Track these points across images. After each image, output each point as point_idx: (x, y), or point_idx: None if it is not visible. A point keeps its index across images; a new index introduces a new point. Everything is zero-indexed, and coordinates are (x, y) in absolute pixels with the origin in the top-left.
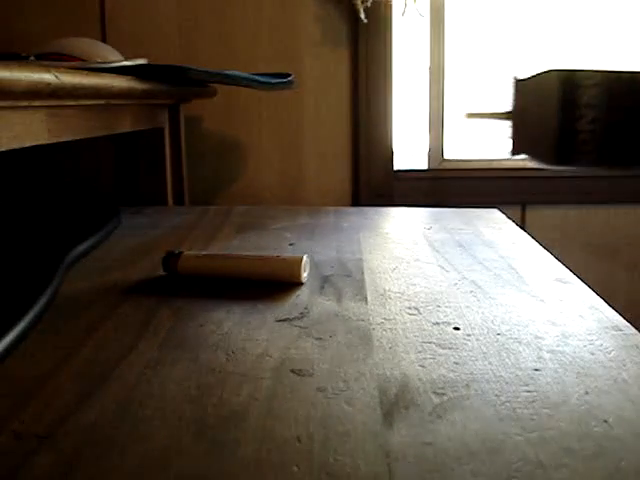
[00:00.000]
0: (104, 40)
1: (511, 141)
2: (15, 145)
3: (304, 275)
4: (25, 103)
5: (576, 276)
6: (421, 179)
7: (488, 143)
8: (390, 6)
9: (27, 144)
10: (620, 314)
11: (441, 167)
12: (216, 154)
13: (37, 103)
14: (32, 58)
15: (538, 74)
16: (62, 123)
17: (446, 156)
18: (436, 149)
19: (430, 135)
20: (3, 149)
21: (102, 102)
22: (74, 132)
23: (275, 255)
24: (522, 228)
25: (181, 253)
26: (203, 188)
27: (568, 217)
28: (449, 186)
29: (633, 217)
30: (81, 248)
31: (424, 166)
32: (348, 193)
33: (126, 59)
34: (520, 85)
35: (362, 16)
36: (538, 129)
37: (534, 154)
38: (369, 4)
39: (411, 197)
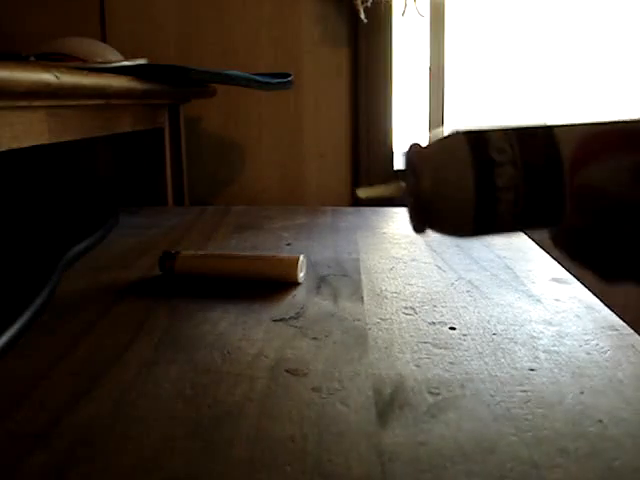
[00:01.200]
0: (104, 40)
1: (413, 216)
2: (15, 145)
3: (300, 275)
4: (25, 103)
5: (573, 276)
6: None
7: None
8: (390, 6)
9: (27, 144)
10: (620, 315)
11: None
12: (216, 154)
13: (37, 103)
14: (32, 58)
15: (441, 139)
16: (62, 123)
17: None
18: None
19: (430, 135)
20: (3, 149)
21: (102, 102)
22: (74, 132)
23: (272, 255)
24: None
25: (177, 253)
26: (203, 188)
27: None
28: None
29: None
30: (79, 248)
31: None
32: (348, 193)
33: (126, 59)
34: (418, 153)
35: (362, 16)
36: (448, 202)
37: (448, 229)
38: (369, 4)
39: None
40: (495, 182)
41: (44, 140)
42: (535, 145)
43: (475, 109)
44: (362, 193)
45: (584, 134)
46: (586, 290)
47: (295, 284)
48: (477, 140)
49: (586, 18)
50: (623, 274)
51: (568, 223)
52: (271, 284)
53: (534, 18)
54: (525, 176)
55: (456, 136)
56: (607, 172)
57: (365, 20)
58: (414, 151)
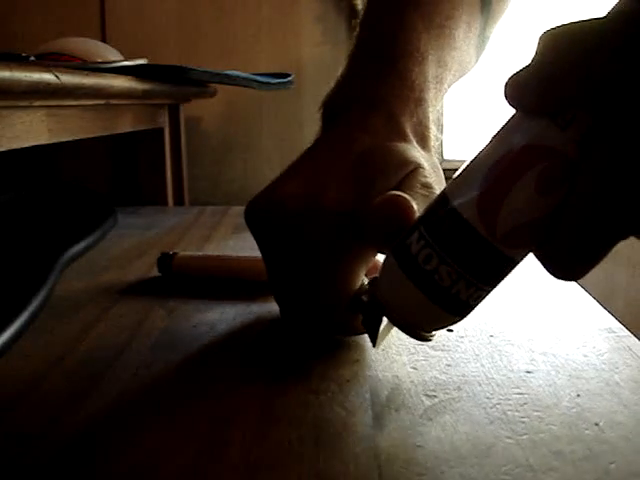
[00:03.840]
0: (104, 40)
1: (413, 335)
2: (15, 145)
3: None
4: (25, 103)
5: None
6: None
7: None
8: None
9: (27, 144)
10: (620, 314)
11: (441, 167)
12: (216, 154)
13: (37, 103)
14: (32, 58)
15: (381, 269)
16: (62, 123)
17: (446, 156)
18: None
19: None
20: (3, 149)
21: (102, 102)
22: (74, 132)
23: None
24: None
25: (176, 254)
26: (203, 188)
27: None
28: None
29: None
30: (77, 248)
31: None
32: None
33: (126, 59)
34: (374, 287)
35: None
36: (417, 312)
37: (439, 327)
38: None
39: None
40: (440, 284)
41: (44, 140)
42: (447, 235)
43: (473, 109)
44: (379, 346)
45: (476, 191)
46: (584, 292)
47: None
48: (406, 260)
49: None
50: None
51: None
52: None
53: (533, 19)
54: (458, 264)
55: (390, 263)
56: (516, 206)
57: None
58: (370, 292)
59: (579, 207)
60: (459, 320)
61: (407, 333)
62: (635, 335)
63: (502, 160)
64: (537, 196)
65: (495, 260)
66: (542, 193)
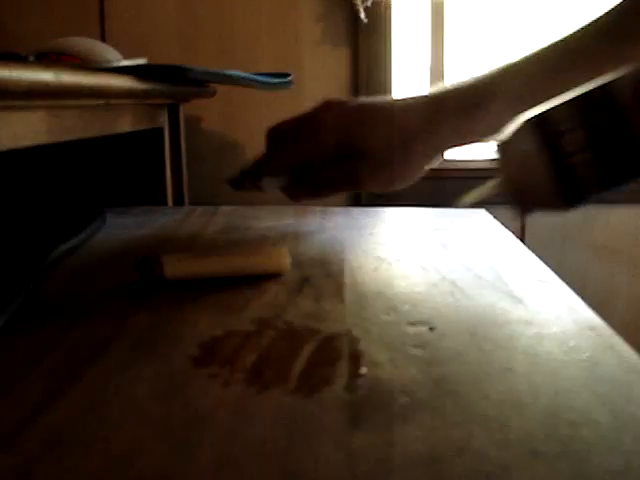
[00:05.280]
0: (104, 40)
1: (517, 204)
2: (15, 145)
3: (288, 262)
4: (24, 103)
5: (557, 276)
6: (421, 179)
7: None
8: (390, 6)
9: (27, 144)
10: (620, 314)
11: (441, 167)
12: (216, 154)
13: (37, 103)
14: (32, 58)
15: (515, 130)
16: (62, 123)
17: (446, 156)
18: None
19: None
20: (3, 149)
21: (102, 102)
22: (74, 132)
23: (254, 249)
24: (522, 228)
25: (158, 257)
26: (203, 188)
27: (568, 217)
28: (449, 186)
29: (633, 217)
30: (62, 249)
31: None
32: (348, 193)
33: (126, 59)
34: (503, 148)
35: (362, 16)
36: (536, 185)
37: (545, 207)
38: (369, 4)
39: (411, 197)
40: (566, 149)
41: (44, 140)
42: (592, 104)
43: (468, 196)
44: (467, 199)
45: (636, 79)
46: (569, 290)
47: (278, 284)
48: (538, 122)
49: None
50: None
51: None
52: (253, 284)
53: (534, 18)
54: (592, 135)
55: (523, 127)
56: None
57: (365, 20)
58: (499, 148)
59: None
60: (564, 208)
61: (514, 200)
62: (635, 335)
63: None
64: None
65: (627, 151)
66: None
